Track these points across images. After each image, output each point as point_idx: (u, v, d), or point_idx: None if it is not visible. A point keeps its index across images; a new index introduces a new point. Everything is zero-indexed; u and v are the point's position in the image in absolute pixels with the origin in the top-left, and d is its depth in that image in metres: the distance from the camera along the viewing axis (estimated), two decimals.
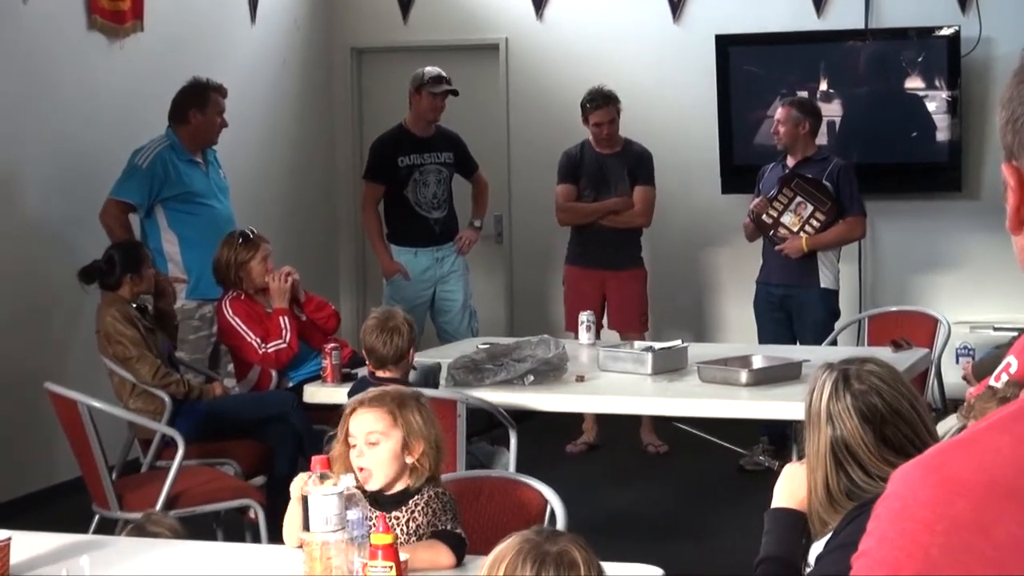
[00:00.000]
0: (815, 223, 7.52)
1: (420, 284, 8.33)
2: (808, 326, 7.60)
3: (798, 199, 7.53)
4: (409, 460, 3.45)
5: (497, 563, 2.37)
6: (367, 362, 5.48)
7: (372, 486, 3.43)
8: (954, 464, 1.24)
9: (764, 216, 7.58)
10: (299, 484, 3.33)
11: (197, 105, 7.21)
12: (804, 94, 8.60)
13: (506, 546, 2.39)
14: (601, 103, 8.06)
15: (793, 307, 7.68)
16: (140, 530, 3.92)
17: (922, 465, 1.27)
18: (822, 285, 7.62)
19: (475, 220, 8.60)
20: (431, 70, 8.20)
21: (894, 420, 2.93)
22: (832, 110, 8.91)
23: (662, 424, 8.18)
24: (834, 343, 7.43)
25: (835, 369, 3.00)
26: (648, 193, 8.20)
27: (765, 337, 7.69)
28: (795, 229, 7.54)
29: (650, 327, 8.43)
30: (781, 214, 7.56)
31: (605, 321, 8.31)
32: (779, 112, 7.72)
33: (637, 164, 8.20)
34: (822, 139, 8.28)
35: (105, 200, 7.12)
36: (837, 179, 7.58)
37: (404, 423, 3.44)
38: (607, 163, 8.18)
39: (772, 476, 4.41)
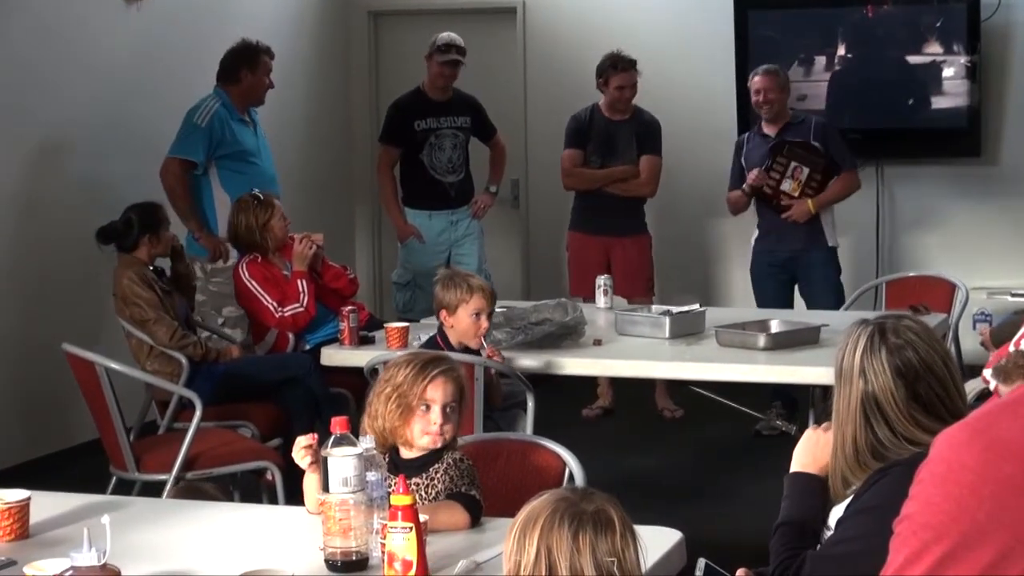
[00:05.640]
0: (814, 184, 7.54)
1: (434, 247, 8.33)
2: (819, 286, 7.61)
3: (793, 164, 7.56)
4: None
5: (531, 522, 2.33)
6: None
7: (437, 444, 3.50)
8: (1001, 427, 1.22)
9: (765, 187, 7.57)
10: (299, 452, 3.36)
11: (248, 65, 7.27)
12: (823, 59, 8.56)
13: (540, 504, 2.35)
14: (627, 66, 8.01)
15: (799, 269, 7.68)
16: (186, 491, 3.92)
17: (968, 428, 1.24)
18: (829, 244, 7.64)
19: (491, 185, 8.59)
20: (443, 36, 8.18)
21: (927, 377, 2.91)
22: (850, 75, 8.87)
23: (677, 389, 8.17)
24: (811, 304, 7.46)
25: (870, 324, 2.97)
26: (655, 163, 8.16)
27: (765, 301, 7.66)
28: (796, 194, 7.55)
29: (657, 292, 8.42)
30: (780, 182, 7.56)
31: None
32: (761, 81, 7.62)
33: (645, 132, 8.16)
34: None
35: (164, 159, 7.15)
36: (824, 137, 7.60)
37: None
38: (615, 129, 8.14)
39: (788, 440, 4.40)
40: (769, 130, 7.68)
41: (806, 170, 7.53)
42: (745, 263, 7.98)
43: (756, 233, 7.84)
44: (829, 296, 7.52)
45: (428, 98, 8.28)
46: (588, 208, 8.26)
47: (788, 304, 7.62)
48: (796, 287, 7.79)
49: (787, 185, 7.56)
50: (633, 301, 7.87)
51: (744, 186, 7.65)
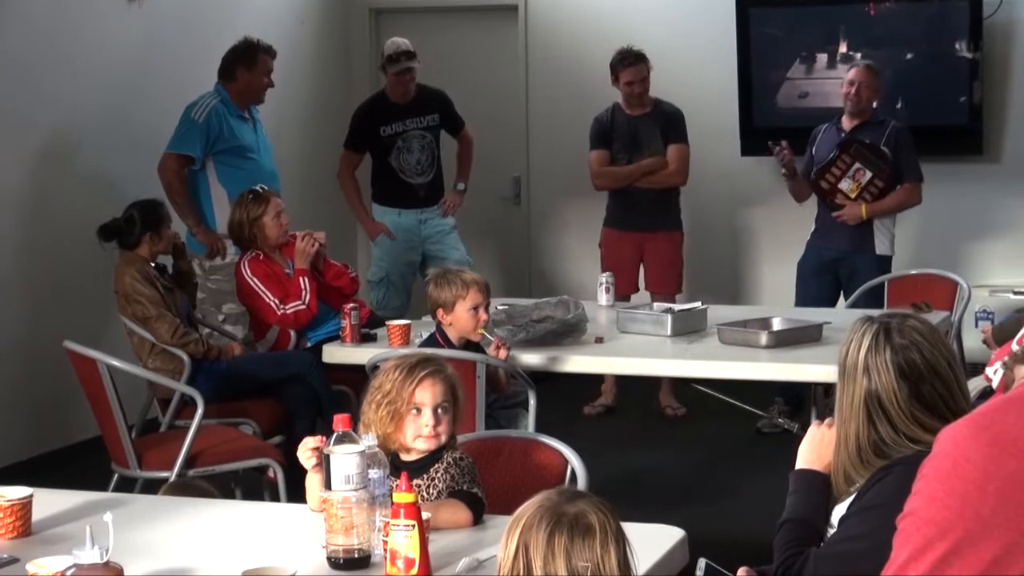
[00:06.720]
0: (873, 190, 7.47)
1: (406, 244, 8.29)
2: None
3: (856, 165, 7.47)
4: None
5: (517, 521, 2.33)
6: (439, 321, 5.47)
7: (432, 445, 3.49)
8: (1006, 423, 1.21)
9: (822, 182, 7.52)
10: (305, 452, 3.36)
11: (246, 63, 7.30)
12: (824, 56, 8.55)
13: (529, 502, 2.34)
14: (633, 60, 8.00)
15: (844, 272, 7.62)
16: (178, 488, 3.91)
17: (972, 423, 1.23)
18: (877, 252, 7.57)
19: (459, 183, 8.51)
20: (390, 46, 8.08)
21: (931, 378, 2.91)
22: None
23: (680, 387, 8.17)
24: (854, 306, 7.40)
25: (876, 322, 2.97)
26: (682, 151, 8.15)
27: (806, 299, 7.60)
28: (853, 196, 7.48)
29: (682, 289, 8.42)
30: (839, 180, 7.50)
31: (641, 283, 8.29)
32: (858, 73, 7.62)
33: (669, 123, 8.14)
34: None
35: (162, 155, 7.16)
36: (896, 143, 7.53)
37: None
38: (638, 125, 8.12)
39: (790, 438, 4.40)
40: (847, 124, 7.63)
41: (868, 173, 7.46)
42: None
43: (813, 227, 7.81)
44: (869, 305, 7.39)
45: (391, 102, 8.22)
46: (621, 204, 8.25)
47: (829, 306, 7.49)
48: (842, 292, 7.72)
49: (846, 185, 7.50)
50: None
51: (782, 171, 7.64)
